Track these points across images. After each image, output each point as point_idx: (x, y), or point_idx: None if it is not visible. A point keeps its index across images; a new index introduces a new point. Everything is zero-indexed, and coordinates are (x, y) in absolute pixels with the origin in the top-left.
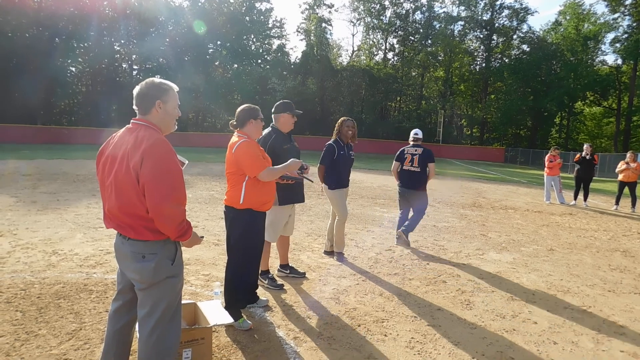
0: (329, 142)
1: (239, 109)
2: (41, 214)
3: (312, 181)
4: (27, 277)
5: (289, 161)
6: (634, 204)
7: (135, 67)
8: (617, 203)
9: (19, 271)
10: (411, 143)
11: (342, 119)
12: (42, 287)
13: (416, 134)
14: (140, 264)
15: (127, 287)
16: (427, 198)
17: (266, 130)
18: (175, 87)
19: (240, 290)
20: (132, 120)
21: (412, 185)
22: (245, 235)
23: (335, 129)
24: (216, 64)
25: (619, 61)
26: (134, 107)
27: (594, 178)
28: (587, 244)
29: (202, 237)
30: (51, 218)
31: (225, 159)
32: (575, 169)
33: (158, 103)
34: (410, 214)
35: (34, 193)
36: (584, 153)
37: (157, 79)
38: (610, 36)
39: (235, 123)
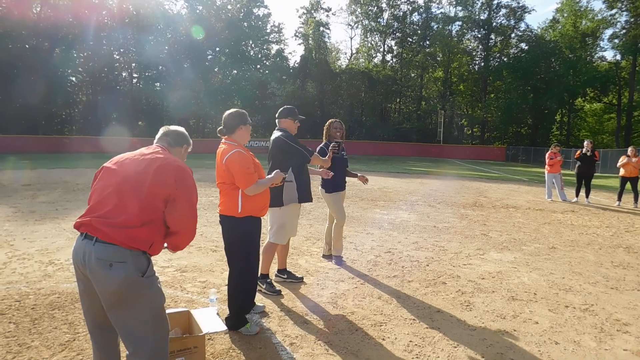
0: (320, 145)
1: (227, 114)
2: (39, 224)
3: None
4: (22, 288)
5: (272, 174)
6: (636, 200)
7: (135, 75)
8: (619, 199)
9: (14, 282)
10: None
11: (329, 121)
12: (37, 297)
13: None
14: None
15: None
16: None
17: (278, 133)
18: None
19: (244, 296)
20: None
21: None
22: (247, 242)
23: (324, 131)
24: (215, 70)
25: (618, 57)
26: (166, 131)
27: (595, 174)
28: (589, 241)
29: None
30: (49, 228)
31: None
32: (576, 165)
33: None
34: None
35: (33, 203)
36: (584, 150)
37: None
38: (609, 32)
39: (224, 129)
